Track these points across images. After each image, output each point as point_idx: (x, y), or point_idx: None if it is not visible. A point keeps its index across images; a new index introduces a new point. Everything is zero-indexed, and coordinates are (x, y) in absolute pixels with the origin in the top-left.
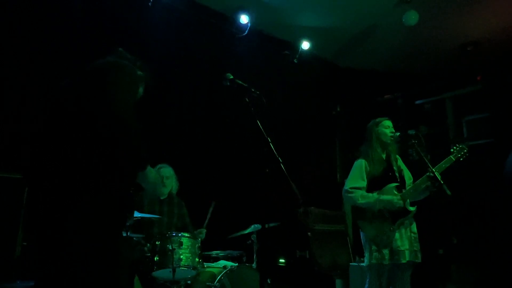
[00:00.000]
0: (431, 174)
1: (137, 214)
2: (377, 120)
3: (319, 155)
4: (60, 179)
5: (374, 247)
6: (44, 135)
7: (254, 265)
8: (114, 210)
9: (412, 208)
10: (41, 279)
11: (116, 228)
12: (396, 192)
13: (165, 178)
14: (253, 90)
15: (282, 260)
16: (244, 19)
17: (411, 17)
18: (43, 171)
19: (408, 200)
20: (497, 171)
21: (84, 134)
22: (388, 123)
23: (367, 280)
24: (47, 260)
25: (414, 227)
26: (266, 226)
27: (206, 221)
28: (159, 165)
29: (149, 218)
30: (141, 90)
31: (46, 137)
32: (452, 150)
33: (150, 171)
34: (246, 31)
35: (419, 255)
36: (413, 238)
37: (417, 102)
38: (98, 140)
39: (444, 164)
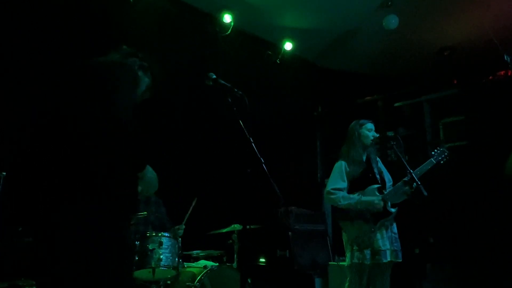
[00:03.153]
0: (408, 176)
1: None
2: (360, 121)
3: (300, 155)
4: (58, 180)
5: (355, 247)
6: (43, 136)
7: (234, 264)
8: (116, 210)
9: (393, 210)
10: (46, 280)
11: (120, 227)
12: (377, 194)
13: None
14: (235, 90)
15: (262, 260)
16: (227, 18)
17: (391, 21)
18: (41, 172)
19: (389, 202)
20: (471, 172)
21: (82, 135)
22: (371, 126)
23: (348, 279)
24: (50, 260)
25: (394, 228)
26: (248, 227)
27: (186, 217)
28: None
29: None
30: (147, 80)
31: (44, 138)
32: (433, 153)
33: (148, 171)
34: (229, 30)
35: (400, 255)
36: (393, 238)
37: (396, 104)
38: (97, 141)
39: (425, 166)
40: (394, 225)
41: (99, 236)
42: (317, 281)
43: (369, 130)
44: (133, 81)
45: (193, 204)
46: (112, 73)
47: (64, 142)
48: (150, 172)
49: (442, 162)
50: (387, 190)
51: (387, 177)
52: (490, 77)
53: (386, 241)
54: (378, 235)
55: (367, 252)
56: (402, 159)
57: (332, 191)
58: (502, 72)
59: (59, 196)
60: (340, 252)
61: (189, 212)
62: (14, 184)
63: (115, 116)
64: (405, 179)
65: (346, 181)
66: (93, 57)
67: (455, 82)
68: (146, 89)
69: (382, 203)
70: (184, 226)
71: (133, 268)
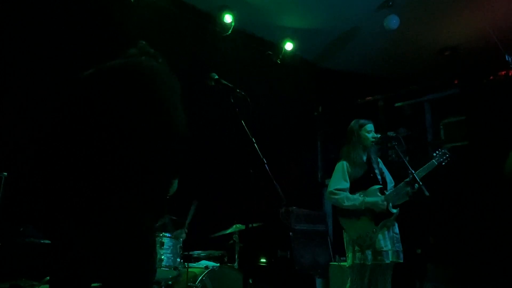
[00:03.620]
0: (410, 177)
1: None
2: (360, 122)
3: (300, 156)
4: (96, 178)
5: (357, 248)
6: (76, 131)
7: (235, 265)
8: (149, 212)
9: (394, 210)
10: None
11: (150, 227)
12: (379, 194)
13: None
14: (238, 90)
15: (263, 260)
16: (228, 18)
17: (392, 22)
18: (79, 169)
19: (390, 203)
20: (472, 172)
21: (136, 137)
22: (370, 127)
23: (349, 279)
24: (78, 258)
25: (396, 228)
26: (250, 226)
27: (188, 221)
28: None
29: None
30: None
31: (79, 135)
32: (434, 154)
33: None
34: (230, 30)
35: (401, 255)
36: (395, 238)
37: (397, 104)
38: (149, 144)
39: (426, 168)
40: (396, 225)
41: (134, 234)
42: (318, 282)
43: (368, 132)
44: (178, 88)
45: (193, 207)
46: (165, 82)
47: (113, 142)
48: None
49: (443, 163)
50: (389, 191)
51: (388, 178)
52: (491, 77)
53: (388, 242)
54: (380, 236)
55: (369, 252)
56: (404, 159)
57: (335, 191)
58: (503, 72)
59: (97, 194)
60: (340, 253)
61: (190, 217)
62: (40, 183)
63: (173, 125)
64: (407, 179)
65: (348, 181)
66: (115, 57)
67: (456, 82)
68: None
69: (385, 204)
70: (186, 231)
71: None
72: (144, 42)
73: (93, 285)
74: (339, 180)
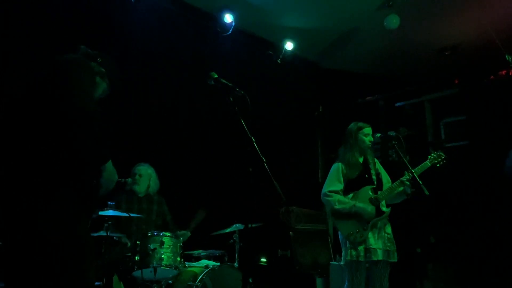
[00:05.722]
0: (406, 177)
1: (116, 213)
2: (359, 124)
3: (301, 155)
4: (21, 172)
5: (349, 245)
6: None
7: (236, 264)
8: (78, 201)
9: (386, 209)
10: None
11: (82, 218)
12: (371, 194)
13: (137, 175)
14: (237, 89)
15: (263, 259)
16: (228, 18)
17: (393, 21)
18: (4, 163)
19: (383, 201)
20: (472, 172)
21: (43, 126)
22: (368, 130)
23: (346, 278)
24: (13, 257)
25: (388, 228)
26: (249, 226)
27: (193, 226)
28: (139, 163)
29: (127, 216)
30: (104, 85)
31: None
32: (429, 156)
33: (109, 166)
34: (230, 30)
35: (395, 255)
36: (386, 238)
37: (397, 104)
38: (59, 131)
39: (420, 168)
40: (388, 225)
41: (51, 234)
42: (318, 281)
43: (365, 135)
44: (89, 75)
45: (202, 216)
46: (73, 68)
47: (21, 132)
48: (109, 167)
49: (438, 165)
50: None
51: (386, 178)
52: (491, 77)
53: (379, 241)
54: (370, 234)
55: (361, 249)
56: (404, 158)
57: (328, 193)
58: (503, 72)
59: (22, 189)
60: (340, 252)
61: (196, 222)
62: None
63: (77, 106)
64: (402, 178)
65: (342, 182)
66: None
67: (456, 81)
68: (102, 93)
69: (374, 212)
70: (189, 234)
71: (93, 266)
72: (83, 46)
73: None
74: (333, 182)
